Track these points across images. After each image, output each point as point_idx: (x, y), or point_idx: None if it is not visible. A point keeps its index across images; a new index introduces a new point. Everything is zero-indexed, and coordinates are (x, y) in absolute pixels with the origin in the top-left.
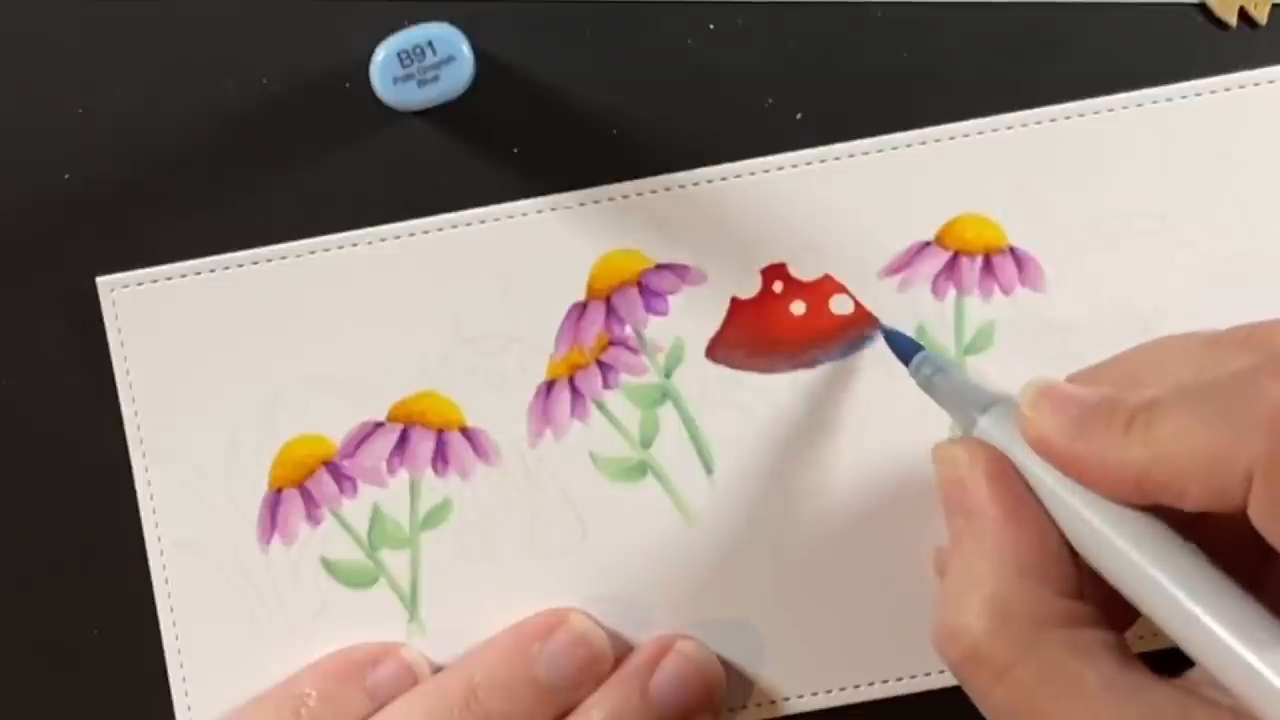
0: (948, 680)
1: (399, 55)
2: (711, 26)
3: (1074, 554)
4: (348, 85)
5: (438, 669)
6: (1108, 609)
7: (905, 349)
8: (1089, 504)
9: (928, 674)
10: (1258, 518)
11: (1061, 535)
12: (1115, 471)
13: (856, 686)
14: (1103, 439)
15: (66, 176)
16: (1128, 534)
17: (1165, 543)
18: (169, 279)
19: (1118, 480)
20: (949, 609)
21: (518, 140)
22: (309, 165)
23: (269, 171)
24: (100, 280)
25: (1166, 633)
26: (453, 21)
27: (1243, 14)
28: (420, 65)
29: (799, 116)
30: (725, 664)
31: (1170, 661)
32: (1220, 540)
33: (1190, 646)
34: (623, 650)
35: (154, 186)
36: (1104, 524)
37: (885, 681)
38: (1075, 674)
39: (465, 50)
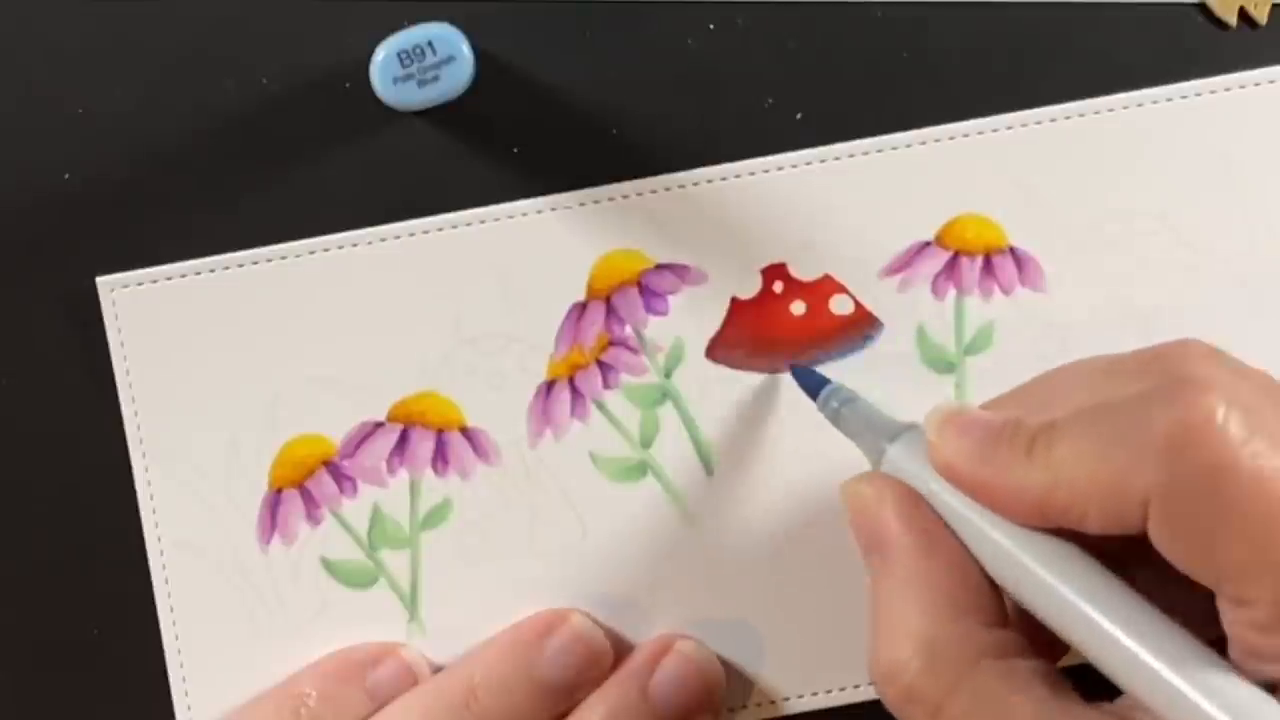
0: None
1: (399, 55)
2: (711, 26)
3: (994, 584)
4: (348, 85)
5: (437, 669)
6: (1038, 639)
7: (812, 384)
8: (1000, 530)
9: None
10: (1158, 541)
11: (980, 566)
12: (1018, 495)
13: (856, 686)
14: (1006, 462)
15: (66, 176)
16: (1041, 559)
17: (1079, 566)
18: (169, 279)
19: (1021, 504)
20: (881, 647)
21: (518, 140)
22: (309, 165)
23: (269, 171)
24: (100, 280)
25: (1088, 658)
26: (453, 21)
27: (1243, 14)
28: (420, 65)
29: (799, 116)
30: (725, 664)
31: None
32: (1135, 558)
33: (1112, 671)
34: (622, 650)
35: (154, 187)
36: (1016, 549)
37: None
38: (1008, 706)
39: (465, 50)
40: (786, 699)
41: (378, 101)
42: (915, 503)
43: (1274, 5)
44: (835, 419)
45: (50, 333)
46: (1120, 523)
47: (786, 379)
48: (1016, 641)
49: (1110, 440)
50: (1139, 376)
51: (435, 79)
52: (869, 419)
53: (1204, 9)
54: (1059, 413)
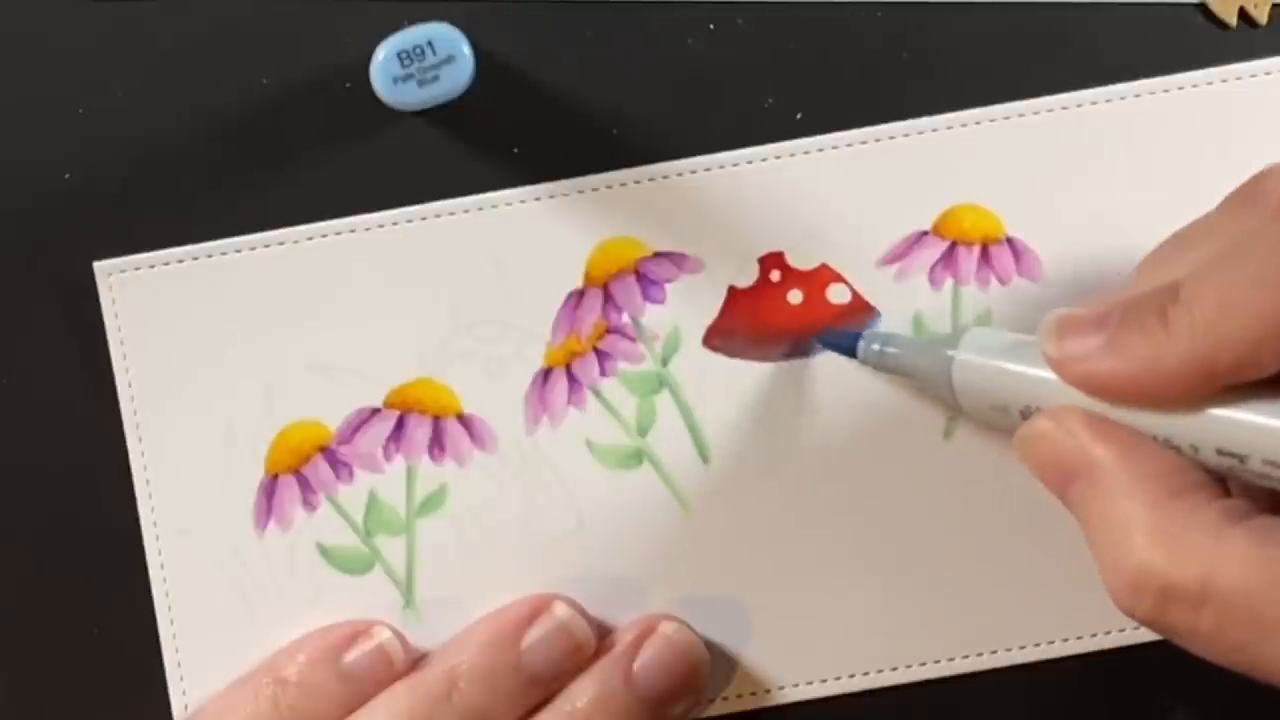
0: (937, 672)
1: (399, 55)
2: (711, 26)
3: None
4: (348, 85)
5: (426, 655)
6: (1258, 498)
7: (846, 341)
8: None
9: (923, 664)
10: None
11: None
12: (1178, 374)
13: (851, 676)
14: (1144, 347)
15: (67, 176)
16: (1236, 415)
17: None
18: (166, 264)
19: (1184, 381)
20: (1118, 564)
21: (518, 140)
22: (309, 165)
23: (269, 172)
24: (98, 265)
25: None
26: (453, 21)
27: (1243, 14)
28: (420, 65)
29: (799, 117)
30: (715, 649)
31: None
32: None
33: None
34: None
35: (154, 187)
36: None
37: (880, 671)
38: (1272, 561)
39: (465, 50)
40: (781, 688)
41: (378, 101)
42: (1097, 417)
43: (1274, 5)
44: (881, 362)
45: (47, 318)
46: None
47: (783, 368)
48: (1243, 505)
49: (1265, 274)
50: (1242, 214)
51: (435, 79)
52: (916, 345)
53: (1204, 9)
54: (1165, 277)
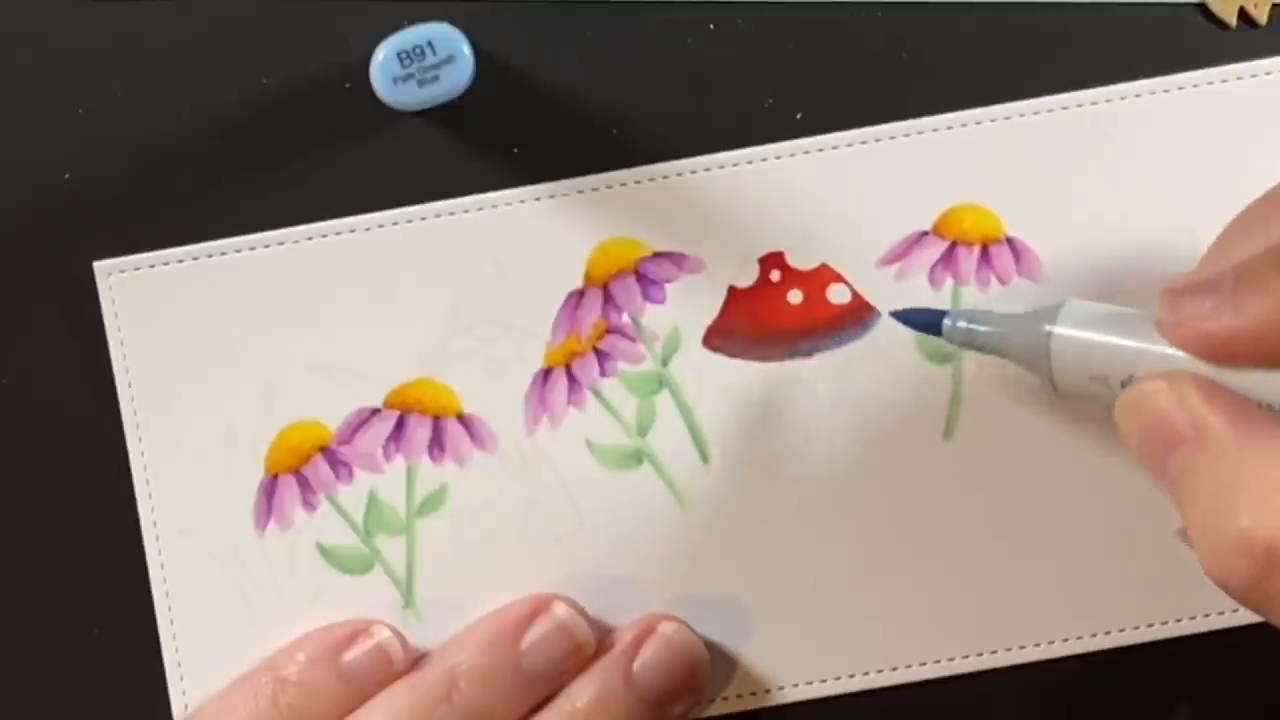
0: (937, 672)
1: (399, 55)
2: (711, 26)
3: None
4: (348, 85)
5: (427, 655)
6: None
7: (929, 319)
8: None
9: (923, 664)
10: None
11: None
12: None
13: (851, 676)
14: (1265, 304)
15: (67, 176)
16: None
17: None
18: (166, 264)
19: None
20: (1221, 528)
21: (518, 140)
22: (309, 166)
23: (269, 172)
24: (97, 265)
25: None
26: (453, 21)
27: (1243, 14)
28: (420, 65)
29: (799, 116)
30: (715, 649)
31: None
32: None
33: None
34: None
35: (154, 187)
36: None
37: (880, 671)
38: None
39: (465, 50)
40: (781, 688)
41: (378, 101)
42: (1209, 382)
43: (1274, 5)
44: (970, 340)
45: (47, 318)
46: None
47: (783, 367)
48: None
49: None
50: None
51: (435, 79)
52: (1009, 321)
53: (1204, 9)
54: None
